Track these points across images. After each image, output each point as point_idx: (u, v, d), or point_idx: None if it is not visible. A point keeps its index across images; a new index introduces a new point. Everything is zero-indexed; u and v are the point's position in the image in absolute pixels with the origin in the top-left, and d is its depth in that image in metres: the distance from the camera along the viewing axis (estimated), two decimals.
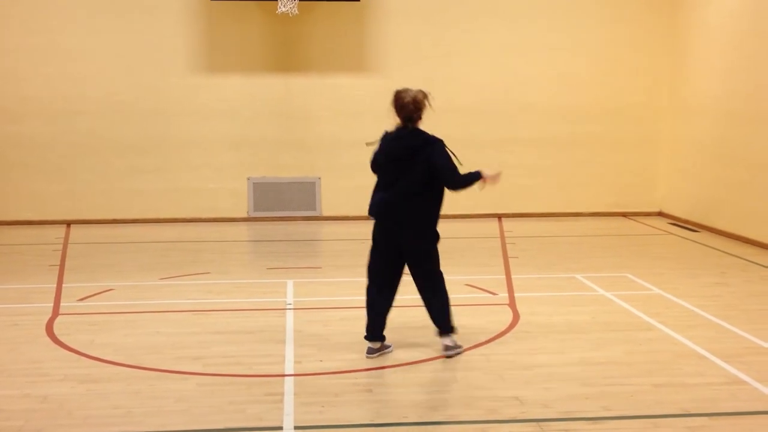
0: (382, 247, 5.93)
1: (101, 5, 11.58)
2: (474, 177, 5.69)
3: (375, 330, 5.86)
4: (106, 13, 11.59)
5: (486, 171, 5.74)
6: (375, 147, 5.83)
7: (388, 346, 5.93)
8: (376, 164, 5.83)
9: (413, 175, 5.59)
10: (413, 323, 6.79)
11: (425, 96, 5.72)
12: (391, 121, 5.76)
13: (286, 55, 11.93)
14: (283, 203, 12.19)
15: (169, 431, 4.47)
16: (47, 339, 6.12)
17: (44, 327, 6.41)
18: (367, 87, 11.89)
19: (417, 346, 6.04)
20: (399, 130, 5.68)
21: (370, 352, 5.81)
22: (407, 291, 7.72)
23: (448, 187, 5.70)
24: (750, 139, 10.11)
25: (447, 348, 5.80)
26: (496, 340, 6.09)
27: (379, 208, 5.84)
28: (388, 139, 5.72)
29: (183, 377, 5.29)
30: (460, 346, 5.85)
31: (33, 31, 11.52)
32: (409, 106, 5.63)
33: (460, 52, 12.06)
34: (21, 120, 11.63)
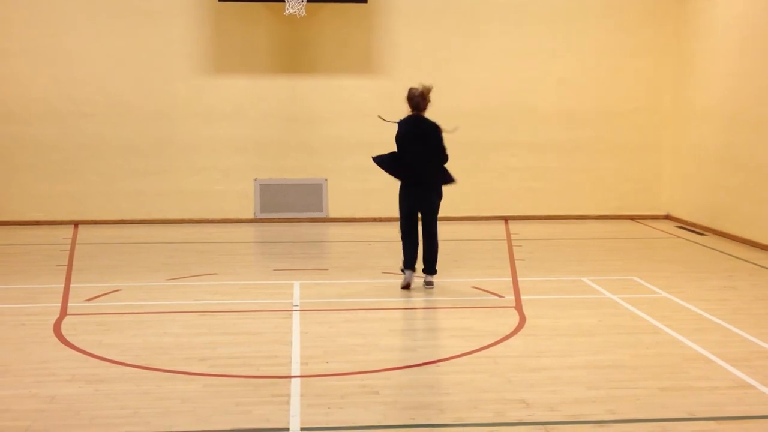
0: None
1: (107, 7, 11.61)
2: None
3: None
4: (113, 14, 11.63)
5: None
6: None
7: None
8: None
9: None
10: (420, 326, 6.81)
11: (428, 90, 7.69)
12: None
13: (293, 57, 11.95)
14: (289, 205, 12.20)
15: None
16: (55, 339, 6.13)
17: (52, 327, 6.43)
18: (373, 89, 11.91)
19: (424, 348, 6.05)
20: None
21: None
22: (407, 294, 7.74)
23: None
24: (755, 142, 10.09)
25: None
26: (503, 343, 6.08)
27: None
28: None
29: (190, 378, 5.30)
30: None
31: (38, 33, 11.55)
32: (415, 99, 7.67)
33: (466, 55, 12.06)
34: (28, 122, 11.66)
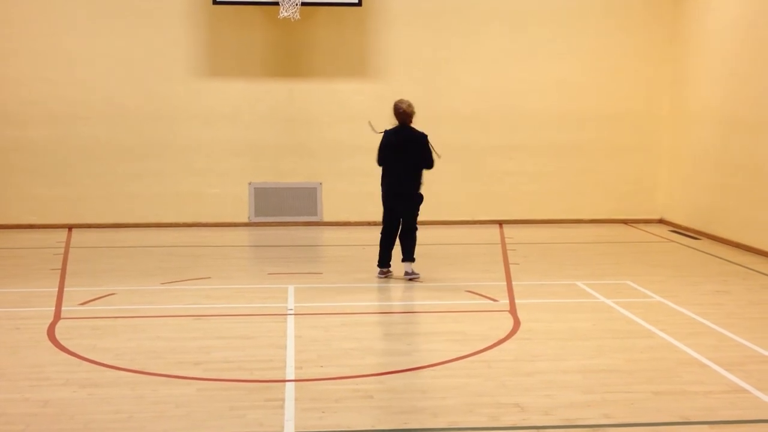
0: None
1: (103, 9, 11.61)
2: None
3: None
4: (109, 17, 11.63)
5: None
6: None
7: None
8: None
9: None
10: (414, 330, 6.81)
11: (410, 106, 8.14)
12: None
13: (288, 60, 11.95)
14: (284, 208, 12.20)
15: None
16: (49, 343, 6.12)
17: (46, 331, 6.42)
18: (368, 92, 11.92)
19: (418, 352, 6.05)
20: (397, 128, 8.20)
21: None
22: (402, 298, 7.75)
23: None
24: (751, 146, 10.12)
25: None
26: (497, 347, 6.09)
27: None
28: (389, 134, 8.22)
29: (184, 382, 5.29)
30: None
31: (35, 36, 11.55)
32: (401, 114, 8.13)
33: (461, 58, 12.08)
34: (23, 124, 11.65)
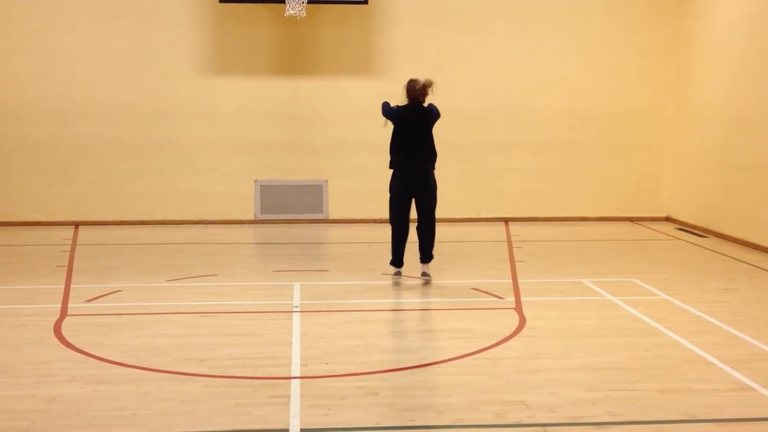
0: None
1: (107, 7, 11.63)
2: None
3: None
4: (112, 14, 11.64)
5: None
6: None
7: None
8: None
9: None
10: (419, 327, 6.81)
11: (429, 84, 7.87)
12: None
13: (294, 58, 11.96)
14: (289, 206, 12.21)
15: None
16: (55, 340, 6.14)
17: (52, 328, 6.44)
18: (373, 90, 11.89)
19: (423, 350, 6.05)
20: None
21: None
22: (407, 296, 7.75)
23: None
24: (756, 144, 10.09)
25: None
26: (503, 344, 6.08)
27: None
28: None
29: (189, 379, 5.30)
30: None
31: (37, 34, 11.57)
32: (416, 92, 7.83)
33: (466, 56, 12.08)
34: (26, 122, 11.67)
